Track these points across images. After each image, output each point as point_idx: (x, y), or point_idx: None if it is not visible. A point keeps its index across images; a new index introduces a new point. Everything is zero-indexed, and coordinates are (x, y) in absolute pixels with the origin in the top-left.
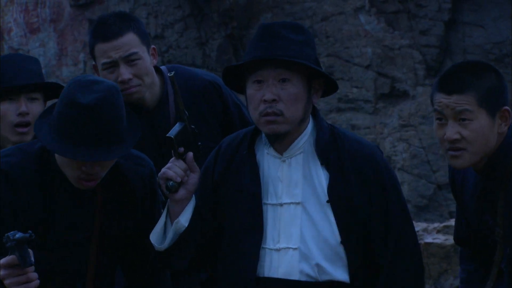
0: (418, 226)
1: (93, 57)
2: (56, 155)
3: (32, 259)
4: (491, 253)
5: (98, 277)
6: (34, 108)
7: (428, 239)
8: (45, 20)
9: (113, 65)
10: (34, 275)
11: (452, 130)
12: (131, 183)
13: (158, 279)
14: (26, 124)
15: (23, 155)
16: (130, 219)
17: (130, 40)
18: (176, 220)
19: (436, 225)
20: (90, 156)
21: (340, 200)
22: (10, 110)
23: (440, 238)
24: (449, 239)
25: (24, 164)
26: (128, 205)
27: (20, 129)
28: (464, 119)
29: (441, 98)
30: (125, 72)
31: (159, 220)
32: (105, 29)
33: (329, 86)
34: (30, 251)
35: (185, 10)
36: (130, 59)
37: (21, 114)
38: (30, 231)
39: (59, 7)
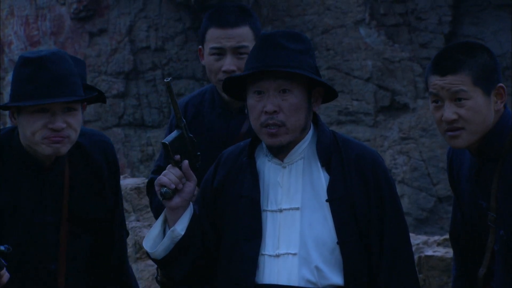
0: (418, 239)
1: (202, 41)
2: (20, 136)
3: (3, 260)
4: (483, 243)
5: (70, 261)
6: None
7: (429, 252)
8: (46, 33)
9: (220, 52)
10: (3, 269)
11: (449, 111)
12: (95, 159)
13: (122, 274)
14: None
15: None
16: (99, 198)
17: (244, 33)
18: (172, 229)
19: (436, 238)
20: (48, 99)
21: (339, 199)
22: None
23: (440, 251)
24: (450, 252)
25: None
26: (96, 184)
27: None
28: (460, 99)
29: (436, 80)
30: (230, 63)
31: (154, 227)
32: (223, 15)
33: (328, 93)
34: None
35: (186, 23)
36: (239, 52)
37: None
38: (6, 245)
39: (59, 20)
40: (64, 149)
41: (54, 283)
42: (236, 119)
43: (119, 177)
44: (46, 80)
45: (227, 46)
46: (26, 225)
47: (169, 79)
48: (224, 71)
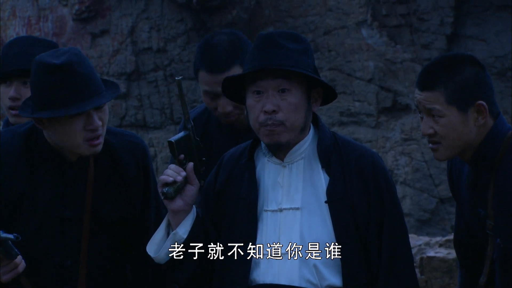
0: (420, 240)
1: (195, 75)
2: (49, 136)
3: (16, 250)
4: (484, 252)
5: (91, 258)
6: (28, 92)
7: (431, 253)
8: (48, 34)
9: (213, 96)
10: (19, 258)
11: (425, 125)
12: (123, 160)
13: (159, 275)
14: (18, 108)
15: (11, 134)
16: (124, 199)
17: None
18: (174, 232)
19: (438, 239)
20: (89, 105)
21: (339, 200)
22: (5, 93)
23: (442, 252)
24: (452, 253)
25: (12, 142)
26: (122, 184)
27: (14, 111)
28: (434, 115)
29: (416, 94)
30: (225, 105)
31: (157, 231)
32: (213, 59)
33: (328, 94)
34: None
35: (188, 24)
36: None
37: (10, 99)
38: (16, 234)
39: (61, 21)
40: (100, 147)
41: (73, 280)
42: (244, 139)
43: (150, 181)
44: (76, 85)
45: (219, 91)
46: (43, 218)
47: (180, 77)
48: (222, 113)
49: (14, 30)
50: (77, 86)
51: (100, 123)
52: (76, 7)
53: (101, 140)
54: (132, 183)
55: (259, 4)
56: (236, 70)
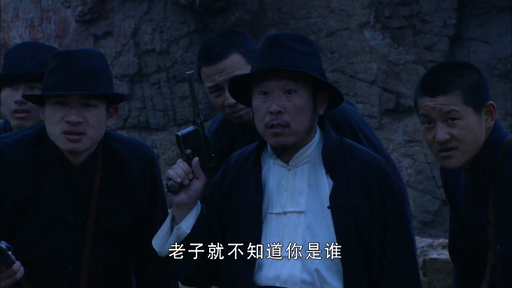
0: (423, 241)
1: (201, 80)
2: (48, 131)
3: (13, 257)
4: (484, 257)
5: (93, 264)
6: None
7: (433, 255)
8: (51, 35)
9: (218, 89)
10: (17, 265)
11: (441, 132)
12: (131, 169)
13: (165, 279)
14: (24, 111)
15: (18, 137)
16: (128, 207)
17: (234, 62)
18: (177, 226)
19: (441, 240)
20: (65, 90)
21: (341, 206)
22: (10, 96)
23: (445, 254)
24: None
25: (18, 144)
26: (127, 192)
27: (18, 114)
28: (452, 119)
29: (426, 102)
30: (229, 97)
31: (163, 226)
32: (209, 51)
33: (334, 97)
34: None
35: (190, 26)
36: None
37: (16, 102)
38: (8, 243)
39: (64, 23)
40: (81, 146)
41: (75, 284)
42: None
43: (157, 191)
44: (66, 74)
45: (221, 81)
46: (47, 221)
47: (191, 72)
48: (228, 106)
49: (17, 32)
50: (65, 75)
51: (80, 119)
52: (79, 9)
53: (83, 140)
54: (138, 192)
55: (262, 6)
56: (235, 59)
